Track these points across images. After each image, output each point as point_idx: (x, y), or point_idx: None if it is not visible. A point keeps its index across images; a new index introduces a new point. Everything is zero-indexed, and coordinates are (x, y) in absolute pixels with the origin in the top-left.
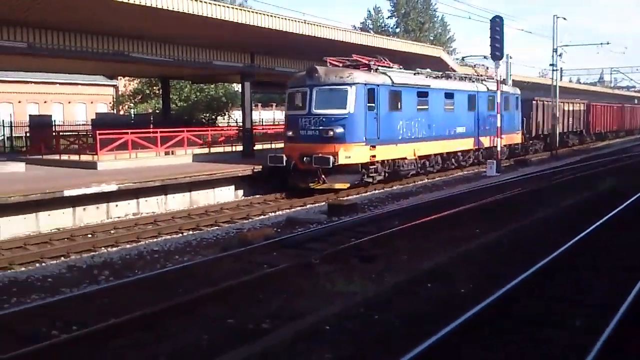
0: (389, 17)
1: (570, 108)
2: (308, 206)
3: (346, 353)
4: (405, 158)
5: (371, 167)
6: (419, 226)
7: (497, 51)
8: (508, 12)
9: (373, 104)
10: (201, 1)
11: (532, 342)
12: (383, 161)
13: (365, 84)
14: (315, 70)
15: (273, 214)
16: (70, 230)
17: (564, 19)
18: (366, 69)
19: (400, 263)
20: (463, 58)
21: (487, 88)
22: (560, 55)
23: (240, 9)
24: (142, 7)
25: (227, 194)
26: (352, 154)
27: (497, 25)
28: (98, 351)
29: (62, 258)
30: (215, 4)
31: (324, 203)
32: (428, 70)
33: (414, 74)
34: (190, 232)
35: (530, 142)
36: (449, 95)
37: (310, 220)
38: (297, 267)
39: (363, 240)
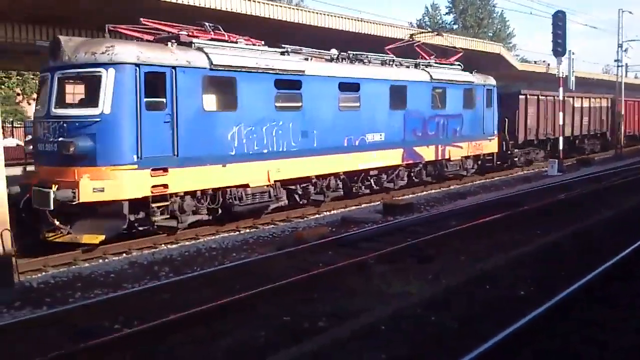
0: (446, 14)
1: (586, 104)
2: (363, 205)
3: (402, 353)
4: (248, 185)
5: (158, 204)
6: (476, 227)
7: (559, 47)
8: (571, 7)
9: (162, 99)
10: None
11: (593, 347)
12: (194, 192)
13: (139, 65)
14: (59, 44)
15: (328, 213)
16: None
17: (630, 12)
18: (172, 42)
19: (457, 264)
20: (412, 35)
21: (431, 77)
22: (625, 51)
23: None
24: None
25: None
26: (109, 184)
27: (559, 20)
28: (158, 346)
29: (124, 254)
30: (271, 4)
31: (378, 202)
32: (333, 50)
33: (282, 52)
34: (247, 230)
35: (516, 150)
36: (350, 86)
37: (365, 220)
38: (352, 267)
39: (419, 240)
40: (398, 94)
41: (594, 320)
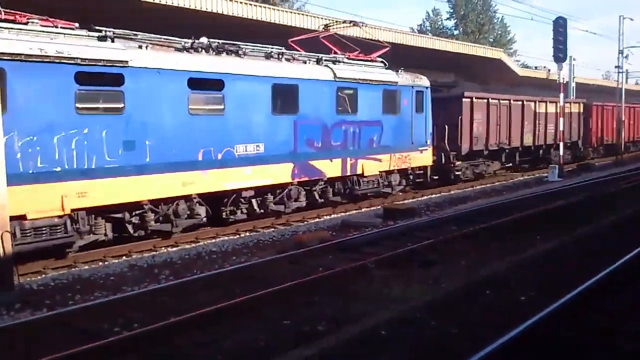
0: (447, 19)
1: (552, 110)
2: (363, 210)
3: (401, 358)
4: (25, 217)
5: None
6: (476, 232)
7: (560, 53)
8: (571, 12)
9: None
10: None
11: (594, 353)
12: None
13: None
14: None
15: (328, 217)
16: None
17: (631, 19)
18: None
19: (457, 269)
20: (326, 26)
21: (335, 75)
22: (626, 57)
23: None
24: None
25: None
26: None
27: (560, 26)
28: (157, 349)
29: (124, 257)
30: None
31: (379, 207)
32: (202, 39)
33: (99, 38)
34: (247, 234)
35: (459, 162)
36: (208, 83)
37: (366, 224)
38: (352, 271)
39: (419, 245)
40: (285, 95)
41: (592, 325)
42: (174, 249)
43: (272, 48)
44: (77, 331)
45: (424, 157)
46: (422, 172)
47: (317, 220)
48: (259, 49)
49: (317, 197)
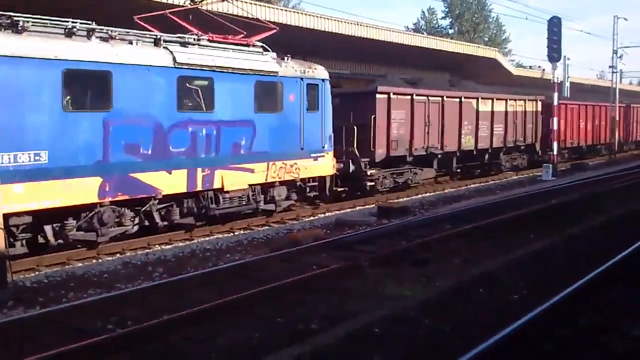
0: (442, 18)
1: (501, 108)
2: (357, 208)
3: (395, 356)
4: None
5: None
6: (470, 231)
7: (554, 52)
8: (566, 12)
9: None
10: None
11: (586, 350)
12: None
13: None
14: None
15: (322, 215)
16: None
17: (625, 19)
18: None
19: (451, 267)
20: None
21: (174, 60)
22: (620, 57)
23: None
24: None
25: None
26: None
27: (554, 26)
28: (151, 346)
29: (118, 255)
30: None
31: (373, 205)
32: None
33: None
34: (242, 232)
35: (373, 171)
36: None
37: (360, 222)
38: (346, 269)
39: (413, 243)
40: (89, 86)
41: (588, 325)
42: (168, 246)
43: (75, 22)
44: (71, 329)
45: (321, 166)
46: (318, 183)
47: (311, 218)
48: (55, 24)
49: (157, 219)
